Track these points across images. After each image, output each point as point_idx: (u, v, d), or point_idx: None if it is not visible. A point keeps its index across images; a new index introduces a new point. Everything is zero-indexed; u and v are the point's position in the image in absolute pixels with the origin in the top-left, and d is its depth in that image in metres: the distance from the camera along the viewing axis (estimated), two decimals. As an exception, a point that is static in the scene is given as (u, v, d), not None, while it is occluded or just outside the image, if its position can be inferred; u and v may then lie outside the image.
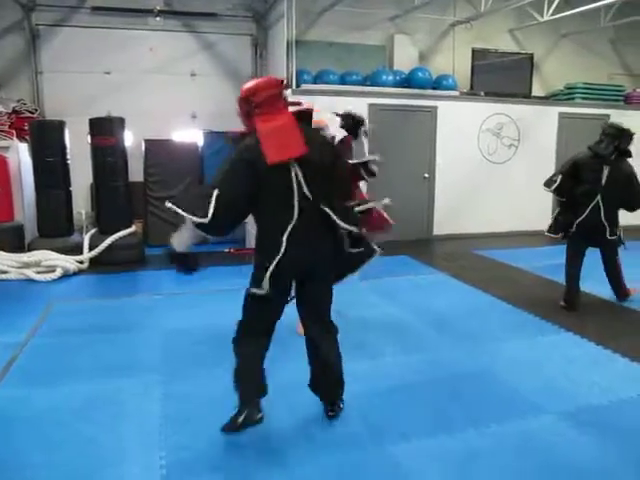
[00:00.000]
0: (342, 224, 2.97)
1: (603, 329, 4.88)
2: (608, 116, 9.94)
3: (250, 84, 2.94)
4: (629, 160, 5.35)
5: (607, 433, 3.16)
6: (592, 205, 5.26)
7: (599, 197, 5.26)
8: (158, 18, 8.48)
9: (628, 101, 10.33)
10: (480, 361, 4.17)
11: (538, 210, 9.68)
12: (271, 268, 2.84)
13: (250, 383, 3.02)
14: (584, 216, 5.29)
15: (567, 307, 5.43)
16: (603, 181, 5.25)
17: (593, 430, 3.19)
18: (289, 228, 2.85)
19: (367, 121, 3.43)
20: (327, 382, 3.24)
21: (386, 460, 2.88)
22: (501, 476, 2.77)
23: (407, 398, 3.55)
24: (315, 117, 3.20)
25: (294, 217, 2.85)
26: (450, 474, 2.77)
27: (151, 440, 3.03)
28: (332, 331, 3.19)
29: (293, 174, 2.83)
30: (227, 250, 7.72)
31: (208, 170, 8.24)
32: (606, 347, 4.45)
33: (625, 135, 5.28)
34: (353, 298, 5.66)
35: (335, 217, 2.93)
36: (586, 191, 5.28)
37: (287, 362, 3.75)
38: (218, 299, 5.50)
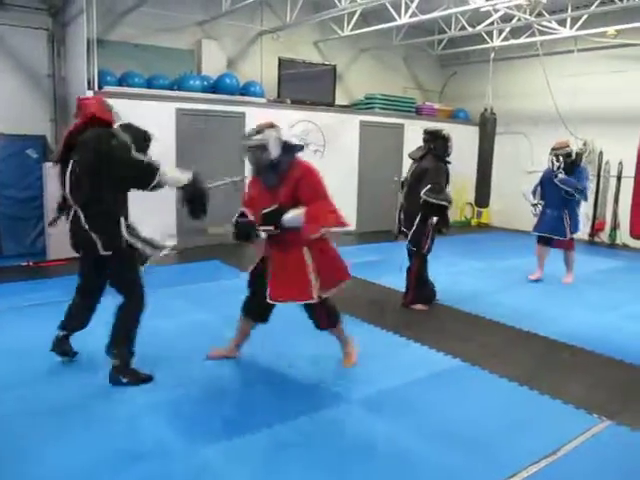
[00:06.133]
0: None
1: (399, 319, 5.40)
2: (402, 125, 10.98)
3: None
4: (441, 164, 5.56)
5: (400, 412, 3.54)
6: None
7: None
8: None
9: (419, 112, 11.46)
10: (287, 358, 4.36)
11: (342, 212, 10.33)
12: None
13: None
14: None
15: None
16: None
17: (388, 411, 3.55)
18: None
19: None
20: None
21: (194, 464, 2.91)
22: (307, 464, 2.95)
23: (215, 401, 3.62)
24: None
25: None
26: (258, 469, 2.89)
27: None
28: None
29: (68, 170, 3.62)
30: (25, 263, 7.13)
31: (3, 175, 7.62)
32: (401, 335, 4.94)
33: (438, 138, 5.57)
34: (161, 305, 5.58)
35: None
36: None
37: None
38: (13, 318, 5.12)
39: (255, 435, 3.21)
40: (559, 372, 4.26)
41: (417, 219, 5.51)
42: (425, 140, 5.64)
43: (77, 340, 4.17)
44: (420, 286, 5.74)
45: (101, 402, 3.57)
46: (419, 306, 5.77)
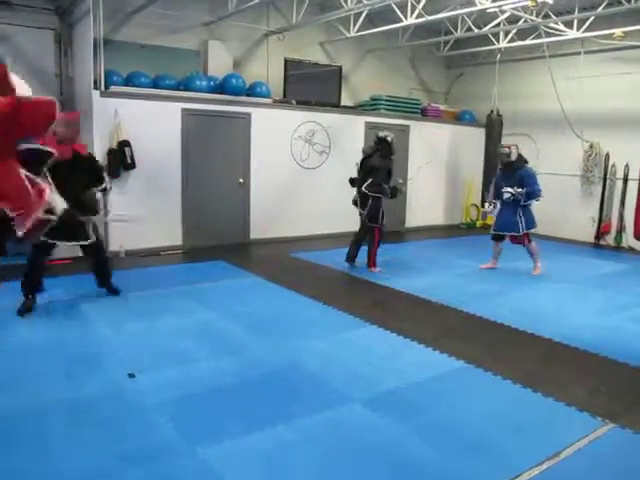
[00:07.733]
0: None
1: (403, 321, 5.39)
2: (408, 126, 10.98)
3: None
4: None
5: (403, 413, 3.54)
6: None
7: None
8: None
9: (424, 114, 11.45)
10: (291, 358, 4.38)
11: (347, 213, 10.33)
12: None
13: None
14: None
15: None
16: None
17: (391, 412, 3.54)
18: None
19: None
20: None
21: (198, 464, 2.92)
22: (310, 464, 2.96)
23: (219, 401, 3.62)
24: None
25: None
26: (260, 469, 2.89)
27: None
28: None
29: None
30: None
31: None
32: (405, 336, 4.94)
33: (383, 142, 7.29)
34: (165, 305, 5.62)
35: None
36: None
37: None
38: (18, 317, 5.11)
39: (258, 435, 3.21)
40: (563, 374, 4.25)
41: (369, 202, 7.27)
42: (375, 142, 7.43)
43: (83, 342, 4.18)
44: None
45: (109, 401, 3.58)
46: (378, 269, 7.34)
